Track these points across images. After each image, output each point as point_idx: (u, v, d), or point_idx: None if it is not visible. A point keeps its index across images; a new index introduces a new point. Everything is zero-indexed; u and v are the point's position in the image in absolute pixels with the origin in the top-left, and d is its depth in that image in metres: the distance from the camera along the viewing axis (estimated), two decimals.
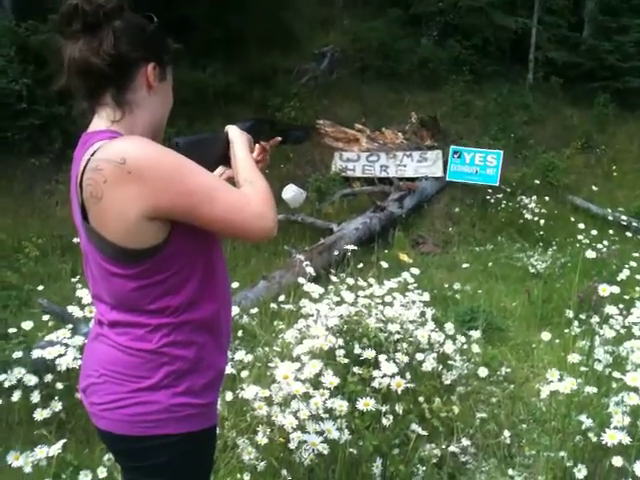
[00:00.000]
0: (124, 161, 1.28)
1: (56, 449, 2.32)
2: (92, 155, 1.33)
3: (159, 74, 1.45)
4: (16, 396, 2.82)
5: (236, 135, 1.60)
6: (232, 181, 1.52)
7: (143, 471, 1.44)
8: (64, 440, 2.42)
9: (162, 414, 1.39)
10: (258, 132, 1.68)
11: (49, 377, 2.92)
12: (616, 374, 2.82)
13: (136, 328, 1.40)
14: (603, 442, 2.39)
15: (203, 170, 1.37)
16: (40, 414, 2.67)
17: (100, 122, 1.41)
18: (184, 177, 1.33)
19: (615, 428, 2.44)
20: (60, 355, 2.85)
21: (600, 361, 3.02)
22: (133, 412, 1.39)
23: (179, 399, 1.40)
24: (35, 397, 2.80)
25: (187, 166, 1.35)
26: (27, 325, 3.31)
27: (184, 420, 1.41)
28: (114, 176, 1.29)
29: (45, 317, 3.72)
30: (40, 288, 4.82)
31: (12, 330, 3.45)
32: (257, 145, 1.70)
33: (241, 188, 1.45)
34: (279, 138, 1.76)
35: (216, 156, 1.59)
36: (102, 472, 2.44)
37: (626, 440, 2.35)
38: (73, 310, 3.29)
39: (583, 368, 3.00)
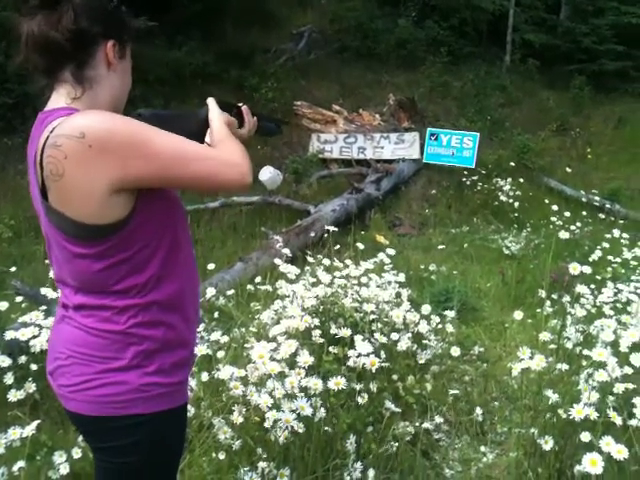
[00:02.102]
0: (83, 135, 1.26)
1: (30, 430, 2.31)
2: (51, 132, 1.30)
3: (119, 52, 1.43)
4: None
5: (213, 107, 1.58)
6: None
7: (115, 451, 1.44)
8: (38, 421, 2.41)
9: (132, 394, 1.39)
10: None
11: (23, 359, 2.89)
12: (586, 352, 2.88)
13: (102, 310, 1.39)
14: (572, 417, 2.45)
15: (168, 133, 1.35)
16: (14, 395, 2.65)
17: (59, 99, 1.39)
18: (148, 141, 1.31)
19: (585, 404, 2.50)
20: (34, 336, 2.82)
21: (570, 339, 3.08)
22: (102, 393, 1.38)
23: (149, 378, 1.40)
24: (9, 379, 2.77)
25: (149, 130, 1.33)
26: (0, 307, 3.27)
27: (154, 399, 1.41)
28: (74, 152, 1.27)
29: (18, 299, 3.68)
30: (13, 269, 4.76)
31: None
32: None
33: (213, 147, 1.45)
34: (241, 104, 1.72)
35: (188, 133, 1.54)
36: (77, 453, 2.44)
37: (594, 415, 2.40)
38: (46, 291, 3.27)
39: (554, 346, 3.06)
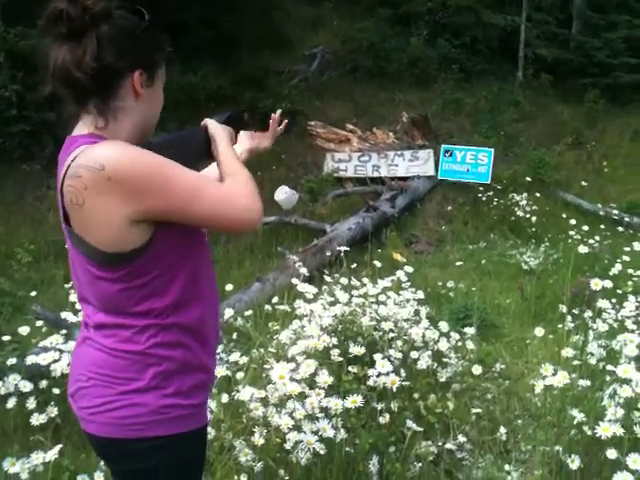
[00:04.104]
0: (103, 167, 1.27)
1: (52, 454, 2.31)
2: (72, 161, 1.32)
3: (146, 80, 1.42)
4: (11, 403, 2.81)
5: (216, 129, 1.58)
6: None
7: (135, 474, 1.44)
8: (60, 445, 2.41)
9: (151, 416, 1.39)
10: (237, 123, 1.66)
11: (44, 383, 2.91)
12: (609, 367, 2.84)
13: (122, 329, 1.40)
14: (597, 435, 2.41)
15: (185, 169, 1.36)
16: (36, 419, 2.67)
17: (84, 127, 1.40)
18: (166, 179, 1.32)
19: (609, 421, 2.46)
20: (55, 361, 2.85)
21: (593, 355, 3.04)
22: (122, 415, 1.38)
23: (168, 400, 1.40)
24: (31, 403, 2.79)
25: (168, 167, 1.34)
26: (21, 332, 3.30)
27: (174, 421, 1.41)
28: (94, 183, 1.28)
29: (39, 323, 3.71)
30: (33, 294, 4.80)
31: (6, 337, 3.45)
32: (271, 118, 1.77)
33: (224, 182, 1.44)
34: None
35: (195, 152, 1.56)
36: (99, 477, 2.43)
37: (620, 432, 2.36)
38: (67, 315, 3.29)
39: (577, 362, 3.02)
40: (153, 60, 1.44)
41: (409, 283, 4.06)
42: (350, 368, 2.93)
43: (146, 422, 1.38)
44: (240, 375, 3.00)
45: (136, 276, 1.36)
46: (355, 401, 2.56)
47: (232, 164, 1.49)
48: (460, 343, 3.76)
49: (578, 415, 2.62)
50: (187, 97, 10.15)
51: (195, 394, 1.45)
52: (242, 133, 1.79)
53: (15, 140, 8.64)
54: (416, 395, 3.15)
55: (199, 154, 1.57)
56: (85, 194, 1.29)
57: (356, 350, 2.91)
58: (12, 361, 3.04)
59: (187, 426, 1.43)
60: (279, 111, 1.77)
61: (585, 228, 6.83)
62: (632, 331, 3.22)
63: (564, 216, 8.14)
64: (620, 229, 7.96)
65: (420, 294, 3.92)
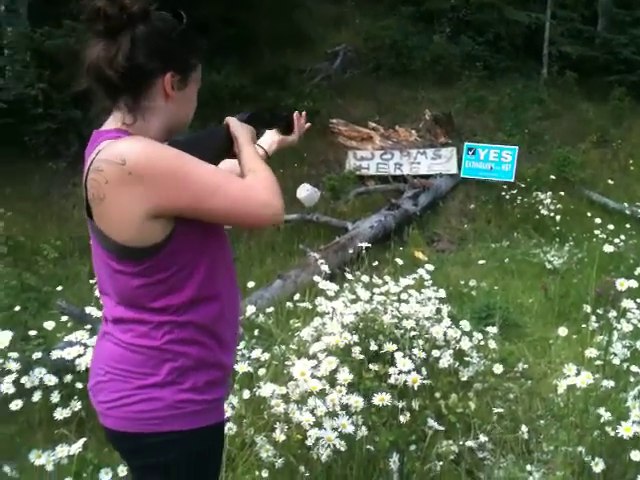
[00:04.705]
0: (124, 162, 1.28)
1: (77, 448, 2.35)
2: (96, 155, 1.34)
3: (178, 83, 1.42)
4: (36, 396, 2.85)
5: (238, 128, 1.59)
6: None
7: (151, 469, 1.45)
8: (84, 439, 2.45)
9: (167, 411, 1.40)
10: (259, 122, 1.68)
11: (69, 377, 2.95)
12: (634, 368, 2.81)
13: (140, 325, 1.41)
14: (620, 436, 2.38)
15: (205, 164, 1.37)
16: (60, 413, 2.71)
17: (112, 122, 1.42)
18: (186, 174, 1.33)
19: (633, 422, 2.43)
20: (79, 355, 2.88)
21: (617, 355, 3.01)
22: (138, 409, 1.39)
23: (183, 395, 1.41)
24: (55, 397, 2.83)
25: (188, 162, 1.35)
26: (47, 326, 3.35)
27: (189, 416, 1.42)
28: (115, 177, 1.30)
29: (64, 318, 3.76)
30: (59, 289, 4.87)
31: (32, 332, 3.50)
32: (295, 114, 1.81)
33: (245, 178, 1.45)
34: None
35: (216, 150, 1.58)
36: (122, 471, 2.46)
37: None
38: (91, 311, 3.33)
39: (600, 362, 2.98)
40: (187, 63, 1.45)
41: (431, 281, 4.04)
42: (371, 366, 2.93)
43: (163, 417, 1.39)
44: (262, 372, 3.02)
45: (156, 271, 1.37)
46: (383, 399, 2.56)
47: (254, 161, 1.50)
48: (482, 342, 3.74)
49: (605, 414, 2.59)
50: (211, 96, 10.19)
51: (210, 390, 1.46)
52: (270, 132, 1.85)
53: (41, 138, 8.75)
54: (437, 394, 3.14)
55: (220, 151, 1.59)
56: (106, 188, 1.31)
57: (386, 347, 2.90)
58: (38, 355, 3.09)
59: (202, 421, 1.44)
60: (304, 113, 1.81)
61: (610, 227, 6.74)
62: None
63: (589, 215, 8.04)
64: None
65: (442, 293, 3.91)
